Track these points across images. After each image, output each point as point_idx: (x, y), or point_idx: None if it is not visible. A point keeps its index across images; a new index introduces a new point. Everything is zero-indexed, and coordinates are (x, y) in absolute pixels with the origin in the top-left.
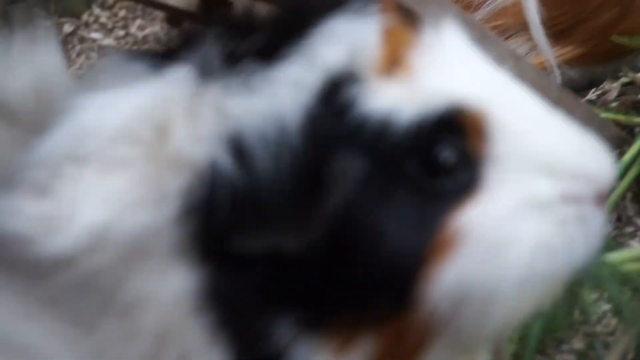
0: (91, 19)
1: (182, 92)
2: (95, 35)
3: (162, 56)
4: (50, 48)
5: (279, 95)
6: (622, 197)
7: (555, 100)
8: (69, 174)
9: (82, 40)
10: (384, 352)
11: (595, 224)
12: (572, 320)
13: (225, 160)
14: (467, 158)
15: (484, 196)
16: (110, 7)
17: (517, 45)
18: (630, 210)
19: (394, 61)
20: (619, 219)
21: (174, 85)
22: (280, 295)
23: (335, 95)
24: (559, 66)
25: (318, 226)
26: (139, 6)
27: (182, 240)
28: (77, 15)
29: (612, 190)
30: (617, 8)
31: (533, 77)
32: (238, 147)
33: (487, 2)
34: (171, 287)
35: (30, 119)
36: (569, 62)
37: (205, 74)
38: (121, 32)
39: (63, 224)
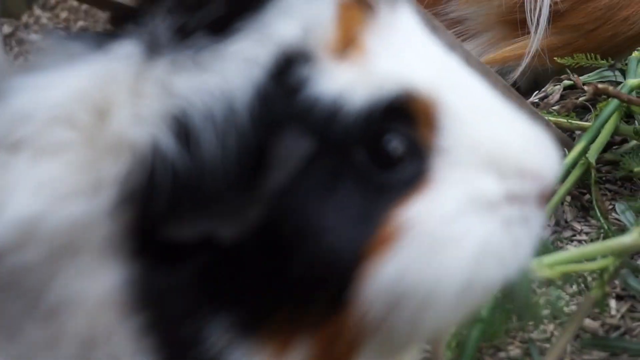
0: (31, 20)
1: (126, 70)
2: (34, 36)
3: (106, 35)
4: None
5: (228, 72)
6: (561, 201)
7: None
8: None
9: (21, 42)
10: (319, 355)
11: (536, 226)
12: (508, 327)
13: (168, 142)
14: (416, 148)
15: (430, 191)
16: (52, 8)
17: (479, 36)
18: (569, 214)
19: (347, 41)
20: (557, 223)
21: (118, 62)
22: (213, 293)
23: (286, 73)
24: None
25: (255, 211)
26: (82, 8)
27: (116, 233)
28: (16, 16)
29: (553, 191)
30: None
31: (480, 73)
32: (183, 128)
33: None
34: (100, 286)
35: None
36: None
37: (153, 50)
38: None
39: None
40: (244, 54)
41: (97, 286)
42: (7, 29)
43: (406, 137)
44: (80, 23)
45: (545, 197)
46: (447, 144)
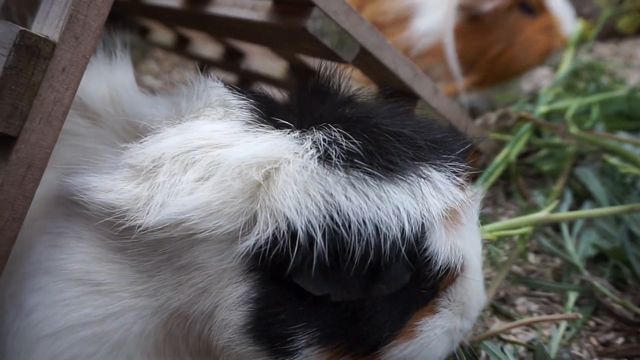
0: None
1: (298, 161)
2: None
3: (266, 105)
4: (125, 66)
5: (381, 209)
6: (495, 186)
7: (457, 120)
8: (169, 170)
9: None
10: None
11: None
12: None
13: (318, 234)
14: (437, 287)
15: (433, 315)
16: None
17: (439, 81)
18: (501, 197)
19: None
20: (494, 202)
21: (292, 149)
22: (309, 318)
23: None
24: (463, 93)
25: (358, 295)
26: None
27: (247, 253)
28: (134, 65)
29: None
30: (502, 43)
31: (447, 104)
32: (334, 230)
33: (414, 46)
34: (224, 265)
35: (110, 122)
36: (471, 87)
37: (326, 159)
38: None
39: (154, 206)
40: (396, 202)
41: (222, 264)
42: None
43: (437, 281)
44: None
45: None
46: (452, 290)
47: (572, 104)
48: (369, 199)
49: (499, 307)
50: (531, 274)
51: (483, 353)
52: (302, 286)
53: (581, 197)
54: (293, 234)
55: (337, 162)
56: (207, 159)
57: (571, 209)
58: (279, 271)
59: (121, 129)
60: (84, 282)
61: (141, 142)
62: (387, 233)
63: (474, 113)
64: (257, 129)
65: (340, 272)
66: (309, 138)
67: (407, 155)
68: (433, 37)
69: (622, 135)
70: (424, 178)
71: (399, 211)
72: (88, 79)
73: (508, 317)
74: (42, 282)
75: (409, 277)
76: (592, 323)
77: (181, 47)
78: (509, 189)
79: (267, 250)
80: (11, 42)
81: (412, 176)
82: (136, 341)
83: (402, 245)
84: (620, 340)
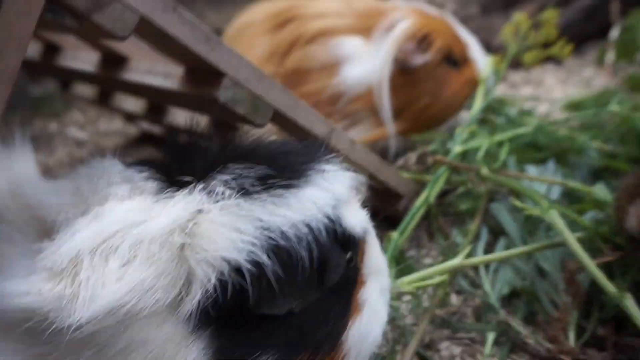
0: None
1: (210, 207)
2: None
3: (161, 166)
4: (25, 158)
5: (302, 210)
6: (418, 228)
7: (376, 169)
8: (90, 265)
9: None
10: None
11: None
12: None
13: (265, 257)
14: (357, 260)
15: (366, 285)
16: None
17: (363, 123)
18: (424, 238)
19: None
20: (417, 244)
21: (200, 200)
22: (269, 339)
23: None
24: (391, 138)
25: (315, 295)
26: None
27: (192, 313)
28: (58, 116)
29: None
30: (429, 96)
31: (364, 155)
32: (277, 247)
33: (346, 92)
34: (169, 333)
35: (10, 216)
36: (400, 134)
37: (242, 192)
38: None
39: (82, 302)
40: (312, 198)
41: (166, 334)
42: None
43: (356, 254)
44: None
45: None
46: (367, 263)
47: (483, 143)
48: (291, 206)
49: (423, 354)
50: (453, 315)
51: None
52: (268, 312)
53: (497, 232)
54: (239, 271)
55: (253, 190)
56: (127, 242)
57: (488, 245)
58: (232, 314)
59: (24, 224)
60: None
61: (54, 242)
62: (318, 226)
63: (396, 156)
64: (166, 196)
65: (297, 280)
66: (216, 183)
67: (299, 161)
68: (364, 85)
69: (531, 169)
70: (321, 171)
71: (318, 204)
72: None
73: None
74: None
75: (345, 258)
76: None
77: (104, 100)
78: (431, 229)
79: (217, 298)
80: None
81: (312, 174)
82: None
83: (332, 230)
84: None
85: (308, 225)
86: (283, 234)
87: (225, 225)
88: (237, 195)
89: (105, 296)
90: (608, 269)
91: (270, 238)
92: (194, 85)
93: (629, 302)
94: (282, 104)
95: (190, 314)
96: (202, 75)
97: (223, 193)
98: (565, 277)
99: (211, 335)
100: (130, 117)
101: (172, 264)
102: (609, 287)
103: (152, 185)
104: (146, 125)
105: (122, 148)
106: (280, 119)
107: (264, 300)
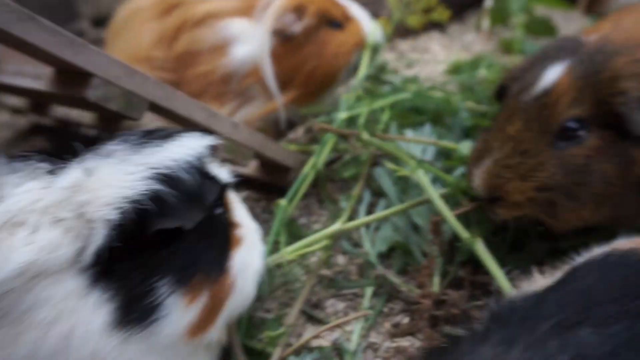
0: None
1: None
2: None
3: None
4: None
5: (178, 151)
6: (308, 195)
7: (262, 146)
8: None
9: None
10: (210, 303)
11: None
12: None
13: (160, 188)
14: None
15: (241, 227)
16: None
17: (257, 98)
18: (314, 205)
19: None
20: (308, 211)
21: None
22: (166, 264)
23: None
24: (281, 110)
25: (201, 215)
26: None
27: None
28: None
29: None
30: (314, 58)
31: (248, 135)
32: (168, 178)
33: (236, 71)
34: (72, 284)
35: None
36: (292, 104)
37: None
38: None
39: None
40: (189, 144)
41: (70, 286)
42: None
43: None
44: None
45: None
46: (235, 213)
47: (363, 110)
48: (169, 150)
49: (310, 312)
50: (339, 274)
51: None
52: (164, 227)
53: (379, 195)
54: (135, 203)
55: (135, 145)
56: (33, 216)
57: (371, 206)
58: (129, 249)
59: None
60: None
61: None
62: (193, 161)
63: (292, 126)
64: (59, 170)
65: (184, 199)
66: (102, 148)
67: (166, 132)
68: (251, 62)
69: (409, 132)
70: (184, 136)
71: (190, 147)
72: None
73: (320, 322)
74: None
75: (217, 187)
76: (386, 309)
77: None
78: (321, 196)
79: (115, 236)
80: None
81: (177, 137)
82: None
83: (203, 168)
84: (406, 320)
85: (185, 160)
86: (167, 166)
87: (118, 172)
88: (123, 151)
89: (17, 257)
90: (466, 219)
91: (157, 171)
92: (64, 86)
93: (478, 246)
94: (157, 96)
95: (89, 264)
96: (71, 76)
97: (109, 153)
98: (431, 229)
99: (109, 278)
100: (17, 111)
101: (75, 220)
102: (464, 233)
103: (42, 168)
104: (35, 118)
105: (11, 141)
106: (158, 109)
107: (160, 218)
